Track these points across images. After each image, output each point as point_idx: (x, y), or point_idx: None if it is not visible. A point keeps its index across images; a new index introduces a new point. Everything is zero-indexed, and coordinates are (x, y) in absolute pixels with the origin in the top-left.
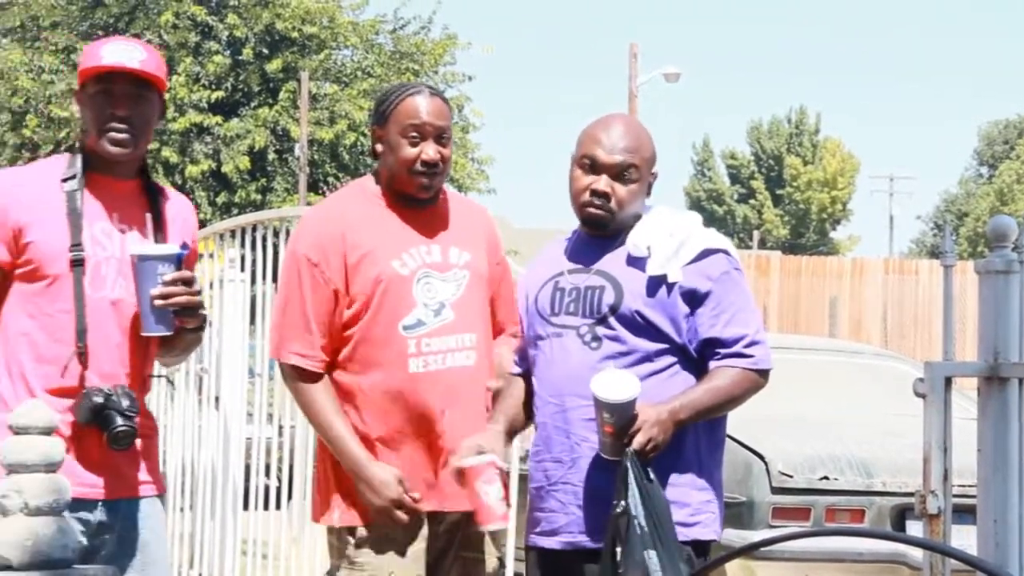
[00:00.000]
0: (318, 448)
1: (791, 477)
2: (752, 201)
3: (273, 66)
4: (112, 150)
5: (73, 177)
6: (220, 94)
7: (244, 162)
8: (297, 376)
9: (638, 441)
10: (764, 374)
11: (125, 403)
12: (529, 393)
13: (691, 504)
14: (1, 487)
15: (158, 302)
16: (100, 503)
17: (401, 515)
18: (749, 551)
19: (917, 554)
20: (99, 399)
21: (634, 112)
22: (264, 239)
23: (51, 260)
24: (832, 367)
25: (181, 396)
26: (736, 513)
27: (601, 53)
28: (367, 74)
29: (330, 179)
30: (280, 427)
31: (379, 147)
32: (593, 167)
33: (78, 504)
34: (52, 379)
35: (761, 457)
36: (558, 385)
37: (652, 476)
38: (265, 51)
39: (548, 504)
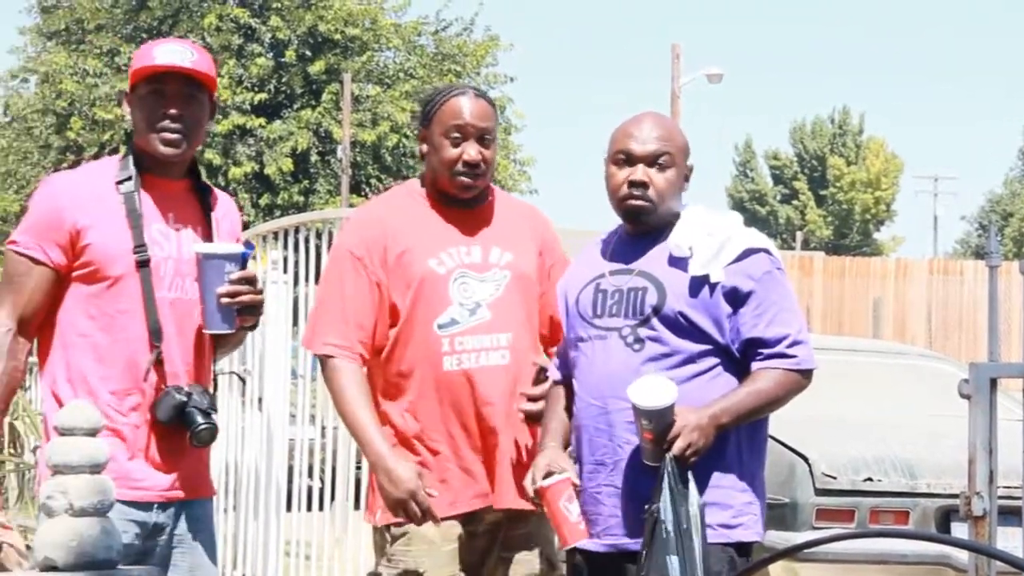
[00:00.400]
0: None
1: (835, 479)
2: (795, 202)
3: (316, 68)
4: (164, 150)
5: (129, 179)
6: (263, 96)
7: (287, 164)
8: (330, 367)
9: (677, 446)
10: (807, 374)
11: (205, 402)
12: (569, 398)
13: (733, 506)
14: (46, 488)
15: (225, 300)
16: (156, 505)
17: (415, 508)
18: (793, 553)
19: (962, 556)
20: (182, 397)
21: (677, 113)
22: (307, 241)
23: (112, 261)
24: (876, 368)
25: (224, 397)
26: (779, 515)
27: (642, 54)
28: (409, 76)
29: (372, 181)
30: (323, 428)
31: (424, 148)
32: (628, 160)
33: (134, 506)
34: (116, 380)
35: (805, 459)
36: (600, 387)
37: (691, 482)
38: (308, 53)
39: (591, 507)
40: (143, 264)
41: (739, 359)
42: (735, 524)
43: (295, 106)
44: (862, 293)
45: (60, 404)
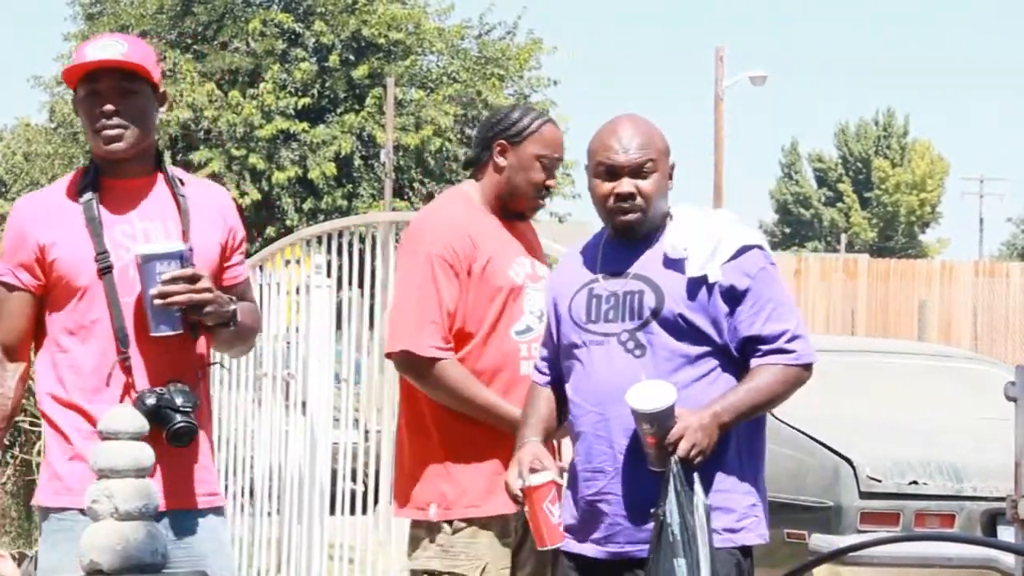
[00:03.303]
0: (405, 439)
1: (880, 482)
2: (839, 204)
3: (359, 72)
4: (106, 147)
5: (87, 187)
6: (307, 101)
7: (330, 168)
8: (439, 368)
9: (682, 448)
10: (807, 368)
11: (179, 399)
12: (559, 401)
13: (736, 510)
14: (92, 492)
15: (157, 302)
16: None
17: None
18: (839, 556)
19: (1009, 559)
20: (152, 400)
21: (721, 115)
22: (350, 245)
23: (78, 272)
24: (921, 371)
25: (268, 401)
26: (824, 517)
27: (686, 57)
28: (453, 79)
29: (415, 185)
30: (366, 432)
31: (501, 161)
32: (610, 172)
33: None
34: (97, 391)
35: (849, 462)
36: (599, 394)
37: (696, 484)
38: (351, 57)
39: (591, 515)
40: (106, 271)
41: (738, 358)
42: (739, 528)
43: (338, 110)
44: (907, 295)
45: (52, 423)
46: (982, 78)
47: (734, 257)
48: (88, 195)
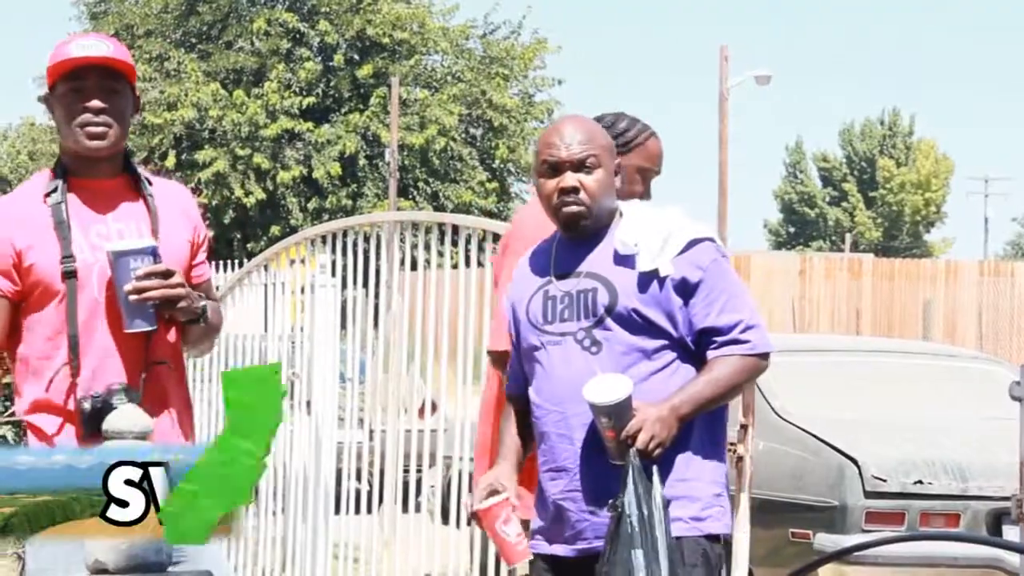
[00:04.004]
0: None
1: (885, 481)
2: (844, 204)
3: (364, 72)
4: (90, 144)
5: (55, 190)
6: (311, 100)
7: (335, 168)
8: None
9: (641, 439)
10: (764, 357)
11: (124, 399)
12: (528, 412)
13: (700, 499)
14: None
15: (132, 297)
16: None
17: None
18: (844, 555)
19: (1014, 559)
20: (87, 405)
21: (726, 115)
22: (355, 244)
23: (54, 277)
24: (926, 370)
25: None
26: (829, 517)
27: (691, 56)
28: (457, 79)
29: (420, 184)
30: (371, 431)
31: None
32: (554, 168)
33: None
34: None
35: (854, 461)
36: (559, 393)
37: (655, 475)
38: (356, 57)
39: (558, 515)
40: (69, 275)
41: (695, 351)
42: (704, 516)
43: (343, 110)
44: (912, 295)
45: (35, 430)
46: (987, 77)
47: (685, 250)
48: (57, 197)
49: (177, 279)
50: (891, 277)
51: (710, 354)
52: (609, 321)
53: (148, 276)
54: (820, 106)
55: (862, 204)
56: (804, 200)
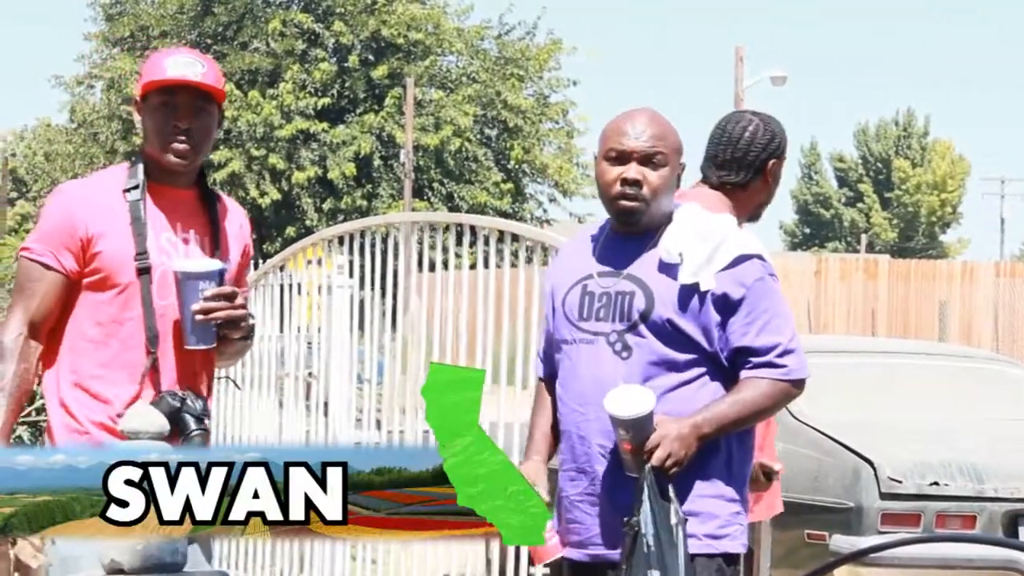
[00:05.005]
0: None
1: (900, 483)
2: (860, 204)
3: (379, 72)
4: (174, 161)
5: (136, 187)
6: (326, 101)
7: (350, 168)
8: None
9: (657, 457)
10: (798, 384)
11: (199, 407)
12: (554, 399)
13: (719, 516)
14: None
15: (199, 317)
16: None
17: None
18: (860, 557)
19: None
20: (175, 402)
21: None
22: (372, 245)
23: (120, 269)
24: (942, 372)
25: (289, 401)
26: (844, 519)
27: (706, 57)
28: (472, 80)
29: (435, 185)
30: (388, 432)
31: (771, 177)
32: (620, 158)
33: None
34: (121, 385)
35: (870, 462)
36: (584, 394)
37: (671, 493)
38: (371, 58)
39: (573, 515)
40: (143, 271)
41: (727, 367)
42: (722, 535)
43: (358, 111)
44: (928, 296)
45: (66, 410)
46: (1003, 78)
47: (731, 265)
48: (136, 194)
49: (240, 300)
50: (907, 278)
51: (743, 374)
52: (643, 328)
53: (215, 298)
54: (835, 107)
55: (878, 205)
56: (820, 201)
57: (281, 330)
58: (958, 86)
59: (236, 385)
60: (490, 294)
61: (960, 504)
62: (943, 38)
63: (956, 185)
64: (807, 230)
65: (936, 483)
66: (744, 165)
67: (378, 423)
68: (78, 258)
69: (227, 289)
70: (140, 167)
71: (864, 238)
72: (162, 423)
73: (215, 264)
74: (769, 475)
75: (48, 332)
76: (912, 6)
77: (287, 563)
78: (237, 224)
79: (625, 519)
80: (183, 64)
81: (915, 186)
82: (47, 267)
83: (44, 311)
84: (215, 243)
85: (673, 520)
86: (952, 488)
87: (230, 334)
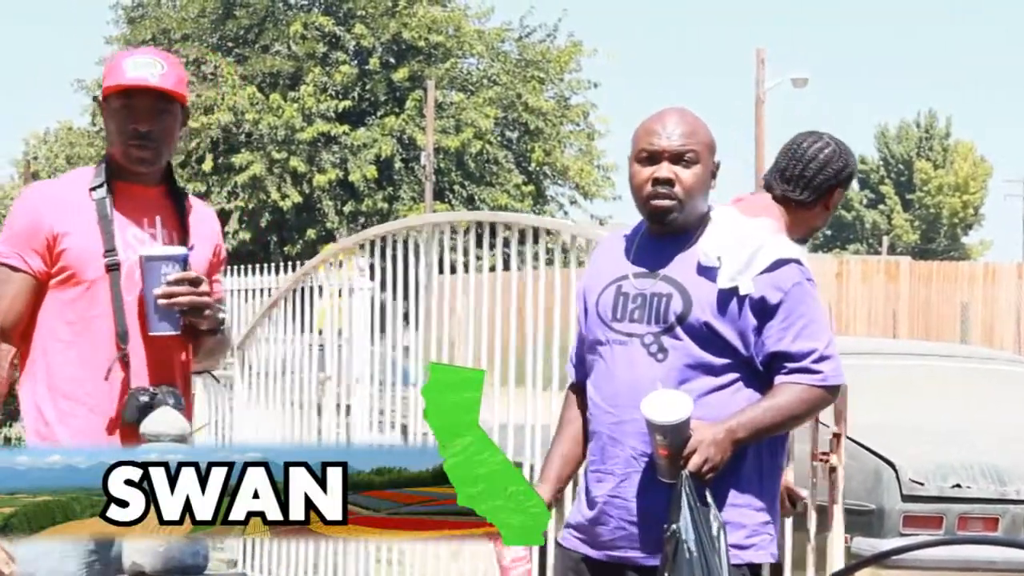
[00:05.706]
0: None
1: (922, 485)
2: (881, 206)
3: (399, 75)
4: (135, 164)
5: (101, 186)
6: (347, 104)
7: (371, 171)
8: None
9: (694, 462)
10: (833, 390)
11: (171, 400)
12: (584, 405)
13: (747, 526)
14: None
15: (161, 301)
16: None
17: None
18: (882, 559)
19: None
20: (145, 398)
21: (761, 118)
22: (394, 248)
23: (86, 266)
24: (964, 373)
25: (307, 403)
26: (866, 521)
27: (727, 59)
28: (493, 82)
29: (456, 187)
30: (412, 436)
31: (831, 203)
32: (652, 157)
33: None
34: (95, 383)
35: (891, 465)
36: (618, 395)
37: (709, 499)
38: (392, 60)
39: (597, 516)
40: (113, 268)
41: (762, 372)
42: (748, 545)
43: (379, 113)
44: (950, 298)
45: (41, 415)
46: None
47: (769, 269)
48: (102, 192)
49: (205, 287)
50: (928, 280)
51: (778, 379)
52: (679, 330)
53: (178, 282)
54: (856, 108)
55: (899, 207)
56: (841, 203)
57: (300, 332)
58: (980, 87)
59: (215, 378)
60: (512, 295)
61: (983, 506)
62: (965, 39)
63: (978, 187)
64: (828, 232)
65: (958, 485)
66: (811, 186)
67: (404, 428)
68: (44, 258)
69: (191, 274)
70: (103, 167)
71: (885, 240)
72: (182, 425)
73: (177, 249)
74: (795, 502)
75: (19, 336)
76: (933, 7)
77: (309, 563)
78: (208, 226)
79: (664, 526)
80: (142, 65)
81: (937, 188)
82: (15, 269)
83: (15, 314)
84: (184, 238)
85: (715, 525)
86: (974, 490)
87: (196, 323)
